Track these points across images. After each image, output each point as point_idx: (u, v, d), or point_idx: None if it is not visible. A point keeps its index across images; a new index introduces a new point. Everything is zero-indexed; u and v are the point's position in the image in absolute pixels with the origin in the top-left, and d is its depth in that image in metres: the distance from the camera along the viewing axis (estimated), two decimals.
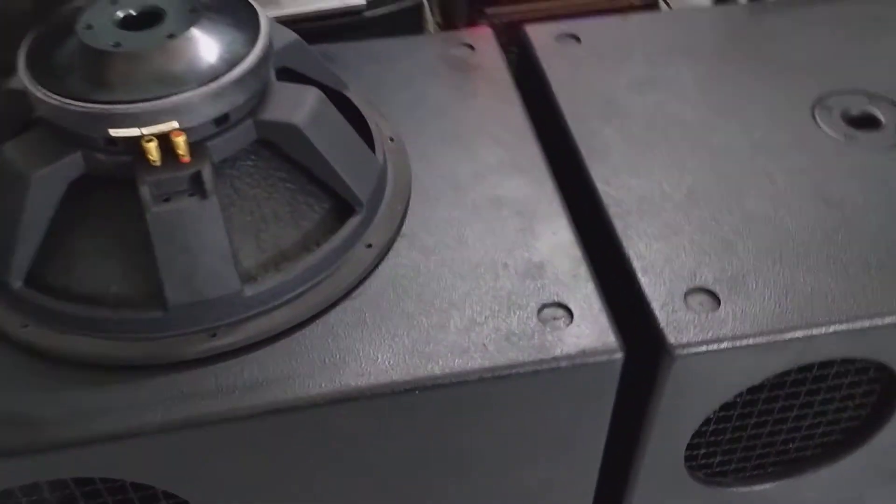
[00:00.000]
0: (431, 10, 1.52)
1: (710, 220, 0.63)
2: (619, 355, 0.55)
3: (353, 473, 0.58)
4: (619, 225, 0.62)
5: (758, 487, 0.70)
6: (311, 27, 1.13)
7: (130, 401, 0.52)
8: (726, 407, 0.62)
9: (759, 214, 0.63)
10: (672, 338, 0.55)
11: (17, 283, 0.54)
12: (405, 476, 0.59)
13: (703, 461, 0.67)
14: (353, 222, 0.59)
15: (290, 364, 0.54)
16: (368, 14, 1.11)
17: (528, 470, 0.62)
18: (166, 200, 0.51)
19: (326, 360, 0.54)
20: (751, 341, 0.55)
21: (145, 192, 0.51)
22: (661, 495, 0.68)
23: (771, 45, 0.79)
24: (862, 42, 0.79)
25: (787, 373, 0.60)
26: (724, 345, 0.55)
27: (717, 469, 0.69)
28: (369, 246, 0.59)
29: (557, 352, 0.54)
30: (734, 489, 0.69)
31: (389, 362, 0.54)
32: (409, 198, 0.64)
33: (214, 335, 0.54)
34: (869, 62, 0.77)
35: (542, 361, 0.54)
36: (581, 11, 1.35)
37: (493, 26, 1.16)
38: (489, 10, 1.24)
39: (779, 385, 0.61)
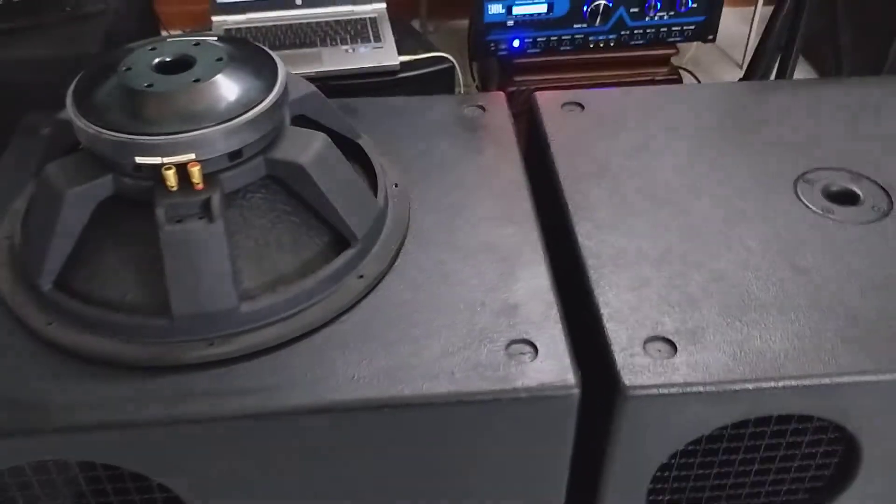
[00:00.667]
0: (472, 75, 1.62)
1: (679, 277, 0.67)
2: (575, 391, 0.59)
3: (326, 480, 0.63)
4: (594, 275, 0.67)
5: None
6: (351, 84, 1.24)
7: (134, 396, 0.58)
8: (686, 454, 0.66)
9: (727, 276, 0.67)
10: (627, 379, 0.59)
11: (46, 286, 0.62)
12: (373, 490, 0.64)
13: None
14: (347, 254, 0.65)
15: (276, 376, 0.60)
16: (402, 74, 1.20)
17: (494, 499, 0.66)
18: (178, 222, 0.58)
19: (308, 375, 0.60)
20: (702, 389, 0.59)
21: (161, 213, 0.58)
22: None
23: (766, 121, 0.84)
24: (855, 123, 0.84)
25: (744, 424, 0.63)
26: (675, 390, 0.59)
27: None
28: (361, 277, 0.65)
29: (518, 383, 0.59)
30: None
31: (365, 382, 0.59)
32: (404, 238, 0.70)
33: (212, 344, 0.60)
34: (858, 143, 0.81)
35: (503, 391, 0.59)
36: (605, 83, 1.42)
37: (520, 93, 1.24)
38: (518, 78, 1.32)
39: (738, 437, 0.65)
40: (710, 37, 1.49)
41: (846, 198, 0.75)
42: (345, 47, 1.28)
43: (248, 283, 0.62)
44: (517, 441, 0.62)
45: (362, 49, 1.26)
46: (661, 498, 0.69)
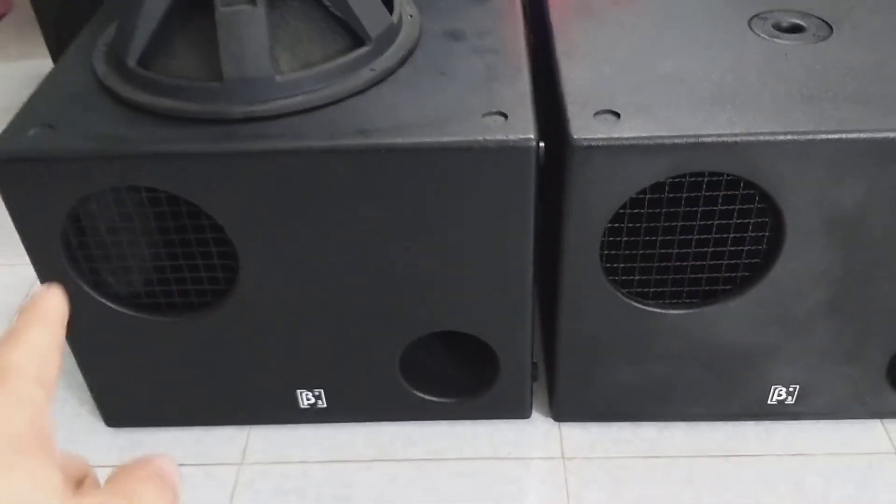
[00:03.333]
0: None
1: (634, 72, 0.81)
2: (532, 144, 0.74)
3: (337, 224, 0.79)
4: (563, 63, 0.82)
5: (673, 312, 0.85)
6: None
7: (191, 138, 0.76)
8: (634, 219, 0.79)
9: (676, 76, 0.81)
10: (576, 134, 0.74)
11: (132, 63, 0.80)
12: (376, 237, 0.80)
13: (623, 278, 0.84)
14: (361, 50, 0.82)
15: (300, 130, 0.76)
16: None
17: (471, 247, 0.81)
18: (230, 6, 0.76)
19: (327, 131, 0.76)
20: (636, 143, 0.73)
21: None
22: (589, 308, 0.85)
23: None
24: None
25: (680, 187, 0.77)
26: (614, 142, 0.73)
27: (639, 290, 0.85)
28: (372, 70, 0.82)
29: (489, 136, 0.74)
30: (654, 310, 0.85)
31: (371, 134, 0.76)
32: (413, 50, 0.86)
33: (252, 105, 0.77)
34: None
35: (476, 142, 0.74)
36: None
37: None
38: None
39: (677, 202, 0.78)
40: None
41: (793, 29, 0.88)
42: None
43: (283, 65, 0.79)
44: (490, 189, 0.77)
45: None
46: (616, 266, 0.83)
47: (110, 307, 0.86)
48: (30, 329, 0.28)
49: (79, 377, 0.95)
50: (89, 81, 0.84)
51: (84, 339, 0.90)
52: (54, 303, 0.30)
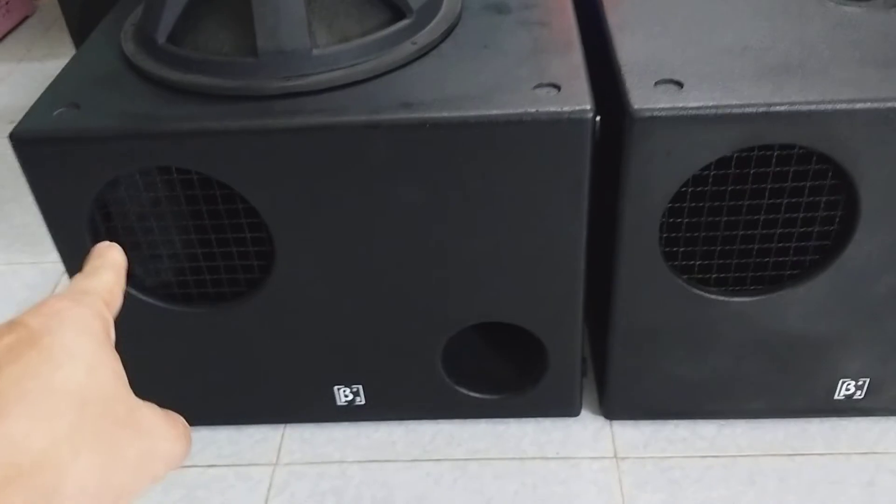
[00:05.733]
0: None
1: (696, 42, 0.76)
2: (589, 115, 0.69)
3: (377, 206, 0.74)
4: (616, 34, 0.77)
5: (737, 299, 0.80)
6: None
7: (225, 114, 0.72)
8: (696, 198, 0.74)
9: (740, 43, 0.76)
10: (636, 104, 0.69)
11: (161, 40, 0.76)
12: (419, 219, 0.75)
13: (683, 263, 0.78)
14: (402, 23, 0.77)
15: (340, 104, 0.72)
16: None
17: (520, 230, 0.76)
18: None
19: (366, 105, 0.72)
20: (699, 112, 0.68)
21: None
22: (646, 296, 0.80)
23: None
24: None
25: (748, 162, 0.71)
26: (677, 113, 0.68)
27: (699, 276, 0.79)
28: (414, 43, 0.77)
29: (542, 108, 0.69)
30: (716, 297, 0.80)
31: (415, 108, 0.71)
32: (455, 23, 0.81)
33: (288, 80, 0.73)
34: None
35: (528, 113, 0.69)
36: None
37: None
38: None
39: (744, 178, 0.73)
40: None
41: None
42: None
43: (320, 40, 0.75)
44: (542, 166, 0.72)
45: None
46: (676, 250, 0.77)
47: (139, 298, 0.82)
48: (100, 270, 0.35)
49: None
50: (117, 61, 0.80)
51: None
52: (116, 255, 0.37)
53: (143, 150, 0.72)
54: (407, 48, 0.77)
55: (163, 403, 0.34)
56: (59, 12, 1.45)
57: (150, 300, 0.83)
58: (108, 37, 0.84)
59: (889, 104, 0.68)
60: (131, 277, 0.81)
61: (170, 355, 0.87)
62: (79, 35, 1.44)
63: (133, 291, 0.82)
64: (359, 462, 0.91)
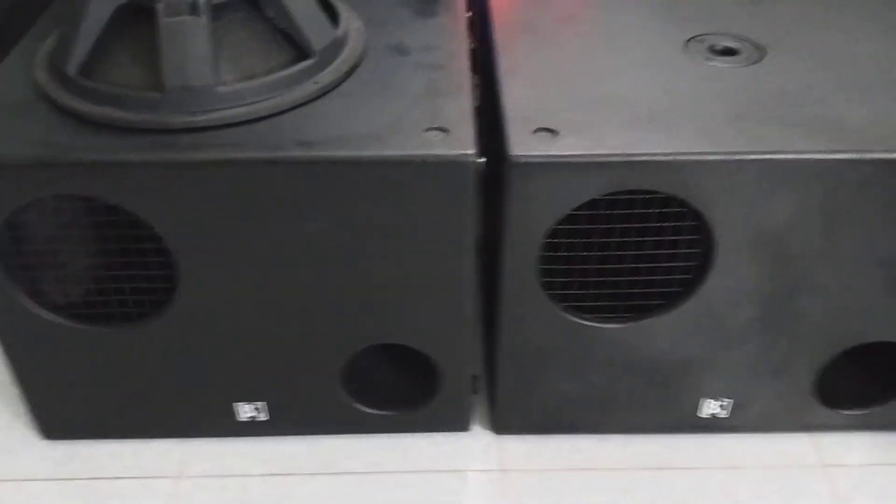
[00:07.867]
0: None
1: (574, 92, 0.83)
2: (472, 159, 0.75)
3: (278, 236, 0.79)
4: (504, 80, 0.84)
5: (609, 326, 0.87)
6: None
7: (132, 147, 0.76)
8: (571, 234, 0.81)
9: (613, 95, 0.83)
10: (514, 150, 0.76)
11: (72, 72, 0.80)
12: (318, 249, 0.80)
13: (561, 292, 0.85)
14: (305, 63, 0.82)
15: (241, 140, 0.77)
16: None
17: (412, 260, 0.82)
18: (173, 16, 0.76)
19: (263, 143, 0.76)
20: (572, 160, 0.75)
21: (160, 8, 0.76)
22: (527, 321, 0.86)
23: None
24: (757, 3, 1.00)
25: (615, 201, 0.79)
26: (550, 159, 0.75)
27: (577, 304, 0.87)
28: (316, 83, 0.83)
29: (431, 151, 0.75)
30: (590, 324, 0.87)
31: (312, 146, 0.76)
32: (358, 63, 0.87)
33: (194, 115, 0.77)
34: (754, 17, 0.96)
35: (417, 156, 0.75)
36: None
37: None
38: None
39: (613, 218, 0.80)
40: None
41: (727, 52, 0.91)
42: None
43: (225, 76, 0.79)
44: (431, 203, 0.78)
45: None
46: (553, 280, 0.84)
47: (47, 317, 0.85)
48: None
49: (14, 388, 0.93)
50: (28, 89, 0.83)
51: (20, 349, 0.89)
52: None
53: (51, 179, 0.76)
54: (309, 87, 0.82)
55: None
56: None
57: (59, 319, 0.86)
58: (21, 63, 0.87)
59: (738, 156, 0.76)
60: (40, 297, 0.85)
61: (77, 372, 0.90)
62: None
63: (42, 311, 0.85)
64: (261, 475, 0.96)
